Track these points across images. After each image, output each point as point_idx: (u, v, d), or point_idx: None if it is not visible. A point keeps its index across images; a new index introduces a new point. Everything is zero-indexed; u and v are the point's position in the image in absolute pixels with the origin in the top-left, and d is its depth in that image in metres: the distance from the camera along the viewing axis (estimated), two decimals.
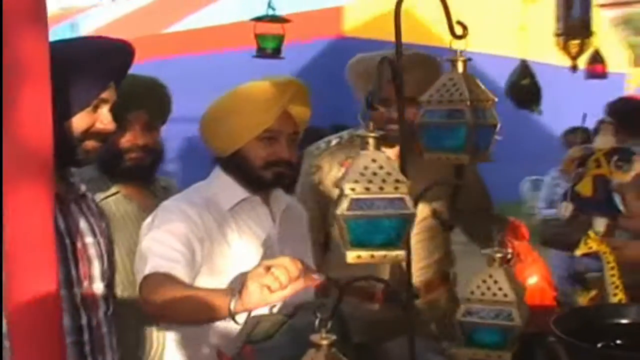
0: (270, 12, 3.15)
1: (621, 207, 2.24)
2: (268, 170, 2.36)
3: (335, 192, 2.88)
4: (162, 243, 2.23)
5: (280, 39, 3.24)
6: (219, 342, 2.26)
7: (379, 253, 1.36)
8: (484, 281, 1.60)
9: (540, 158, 6.04)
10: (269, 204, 2.47)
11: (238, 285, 1.94)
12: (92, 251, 2.05)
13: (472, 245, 3.06)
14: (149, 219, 2.33)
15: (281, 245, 2.45)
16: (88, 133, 1.97)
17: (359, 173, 1.34)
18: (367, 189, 1.34)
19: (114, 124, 2.05)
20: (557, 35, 3.45)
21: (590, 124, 4.67)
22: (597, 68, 4.98)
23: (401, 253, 1.36)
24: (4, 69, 1.43)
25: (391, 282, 2.89)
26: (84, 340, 1.97)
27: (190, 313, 2.08)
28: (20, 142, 1.50)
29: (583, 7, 3.32)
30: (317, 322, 1.67)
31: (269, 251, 2.40)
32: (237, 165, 2.38)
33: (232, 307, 1.92)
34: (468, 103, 1.54)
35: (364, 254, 1.37)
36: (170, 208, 2.33)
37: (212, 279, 2.26)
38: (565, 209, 2.30)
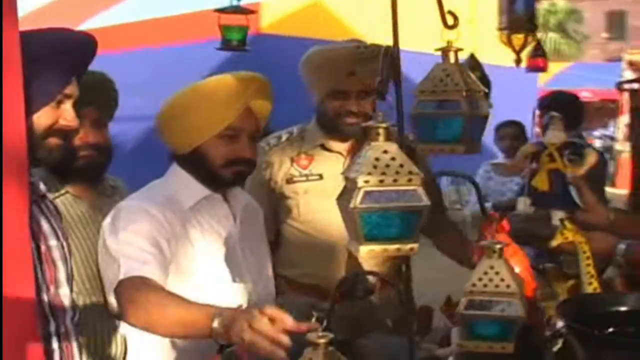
0: (235, 3, 3.08)
1: (578, 201, 2.27)
2: (228, 169, 2.29)
3: (286, 189, 2.92)
4: (131, 245, 2.15)
5: (245, 30, 3.17)
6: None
7: (392, 247, 1.33)
8: (486, 273, 1.58)
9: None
10: (229, 202, 2.41)
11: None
12: (57, 254, 1.95)
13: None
14: (108, 220, 2.24)
15: (242, 244, 2.40)
16: (51, 130, 1.86)
17: (372, 165, 1.30)
18: (381, 181, 1.29)
19: (78, 121, 1.96)
20: (501, 29, 3.46)
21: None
22: (538, 62, 5.08)
23: (414, 246, 1.33)
24: None
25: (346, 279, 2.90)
26: (53, 348, 1.88)
27: (171, 327, 1.99)
28: None
29: (527, 1, 3.34)
30: (313, 321, 1.64)
31: (231, 250, 2.35)
32: (196, 163, 2.31)
33: (215, 325, 1.82)
34: (464, 93, 1.52)
35: (377, 248, 1.33)
36: (132, 208, 2.25)
37: (176, 278, 2.19)
38: (524, 204, 2.32)
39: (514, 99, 9.40)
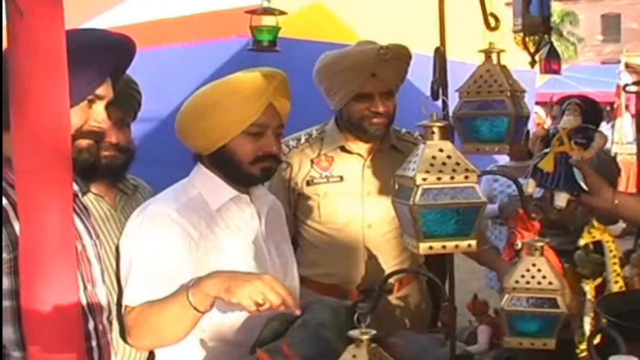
0: (265, 4, 3.10)
1: (582, 184, 2.29)
2: (256, 166, 2.29)
3: (306, 190, 2.94)
4: (146, 260, 2.19)
5: (276, 31, 3.19)
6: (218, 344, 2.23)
7: (451, 243, 1.36)
8: (528, 270, 1.61)
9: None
10: (254, 203, 2.41)
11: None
12: (91, 252, 1.96)
13: None
14: (131, 223, 2.25)
15: (268, 244, 2.40)
16: (81, 130, 1.87)
17: (429, 163, 1.33)
18: (439, 178, 1.32)
19: (109, 123, 1.97)
20: (516, 31, 3.48)
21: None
22: (553, 64, 5.11)
23: (473, 242, 1.36)
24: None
25: (365, 280, 2.93)
26: (93, 346, 1.88)
27: (171, 330, 2.12)
28: (40, 136, 1.44)
29: (542, 3, 3.36)
30: (355, 317, 1.67)
31: (258, 250, 2.35)
32: (223, 162, 2.30)
33: (190, 297, 2.02)
34: (508, 94, 1.54)
35: (436, 244, 1.36)
36: (157, 214, 2.23)
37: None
38: (529, 186, 2.34)
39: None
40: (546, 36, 3.52)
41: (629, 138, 13.50)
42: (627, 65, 16.32)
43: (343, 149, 2.98)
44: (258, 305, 1.94)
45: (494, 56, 1.61)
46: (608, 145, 15.99)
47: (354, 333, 1.65)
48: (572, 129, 2.36)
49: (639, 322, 1.64)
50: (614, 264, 2.15)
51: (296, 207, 3.03)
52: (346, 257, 2.94)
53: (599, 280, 2.15)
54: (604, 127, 19.78)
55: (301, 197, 3.00)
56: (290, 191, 3.01)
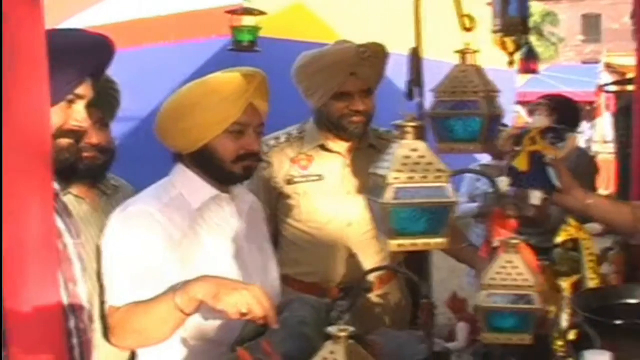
0: (246, 4, 3.13)
1: (556, 182, 2.32)
2: (238, 164, 2.31)
3: (286, 189, 2.96)
4: (129, 260, 2.21)
5: (256, 31, 3.22)
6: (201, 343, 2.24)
7: (421, 241, 1.38)
8: (504, 267, 1.63)
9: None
10: (235, 202, 2.43)
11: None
12: (73, 252, 1.97)
13: None
14: (113, 222, 2.26)
15: (249, 243, 2.42)
16: (62, 130, 1.88)
17: (401, 163, 1.35)
18: (411, 178, 1.35)
19: (89, 122, 1.98)
20: (495, 32, 3.51)
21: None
22: (531, 64, 5.17)
23: (443, 241, 1.38)
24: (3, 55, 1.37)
25: (345, 278, 2.95)
26: (74, 344, 1.89)
27: (157, 330, 2.16)
28: (21, 135, 1.45)
29: (520, 4, 3.39)
30: (334, 315, 1.69)
31: (238, 249, 2.37)
32: (205, 161, 2.32)
33: (177, 299, 2.06)
34: (482, 94, 1.57)
35: (407, 242, 1.39)
36: (138, 214, 2.25)
37: (186, 278, 2.17)
38: (503, 184, 2.38)
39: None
40: (525, 36, 3.58)
41: (609, 137, 13.62)
42: (607, 65, 16.47)
43: (323, 147, 3.01)
44: (242, 315, 1.98)
45: (469, 57, 1.63)
46: (583, 145, 16.15)
47: (332, 330, 1.67)
48: (544, 128, 2.38)
49: (614, 317, 1.67)
50: (590, 261, 2.19)
51: (277, 206, 3.05)
52: (327, 255, 2.96)
53: (575, 277, 2.18)
54: (585, 126, 19.93)
55: (281, 196, 3.02)
56: (270, 190, 3.03)
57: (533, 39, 35.40)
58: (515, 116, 12.56)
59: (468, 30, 1.61)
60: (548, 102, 5.17)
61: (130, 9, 8.41)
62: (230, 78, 2.29)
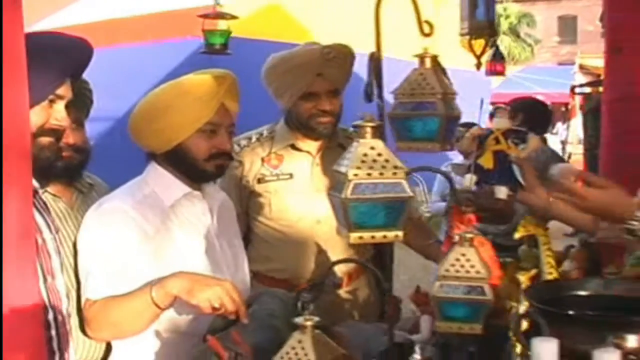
0: (218, 8, 3.21)
1: (521, 180, 2.42)
2: (211, 163, 2.39)
3: (257, 187, 3.04)
4: (105, 255, 2.29)
5: (227, 34, 3.29)
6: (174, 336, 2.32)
7: (379, 234, 1.46)
8: (458, 259, 1.73)
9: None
10: (206, 199, 2.51)
11: None
12: (51, 246, 2.04)
13: None
14: (88, 219, 2.34)
15: (219, 239, 2.51)
16: (43, 129, 1.95)
17: (361, 160, 1.44)
18: (369, 174, 1.43)
19: (68, 121, 2.05)
20: (462, 35, 3.60)
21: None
22: (497, 66, 5.30)
23: (399, 233, 1.47)
24: None
25: (315, 274, 3.03)
26: (52, 335, 1.97)
27: (132, 323, 2.26)
28: (2, 133, 1.50)
29: (487, 7, 3.48)
30: (299, 305, 1.78)
31: (209, 245, 2.46)
32: (178, 160, 2.40)
33: (153, 294, 2.16)
34: (440, 96, 1.66)
35: (365, 234, 1.47)
36: (113, 210, 2.33)
37: (159, 272, 2.26)
38: (470, 181, 2.48)
39: (470, 101, 9.61)
40: (492, 39, 3.68)
41: (582, 138, 13.80)
42: (581, 67, 16.65)
43: (293, 147, 3.08)
44: (214, 309, 2.07)
45: (427, 60, 1.72)
46: (559, 145, 16.32)
47: (298, 320, 1.76)
48: (507, 129, 2.48)
49: (565, 308, 1.77)
50: (548, 256, 2.28)
51: (248, 204, 3.12)
52: (297, 252, 3.03)
53: (533, 271, 2.28)
54: (561, 127, 20.09)
55: (253, 194, 3.10)
56: (242, 189, 3.10)
57: (509, 40, 35.80)
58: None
59: (427, 35, 1.69)
60: (511, 105, 5.31)
61: (105, 9, 8.43)
62: (202, 80, 2.37)
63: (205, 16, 3.27)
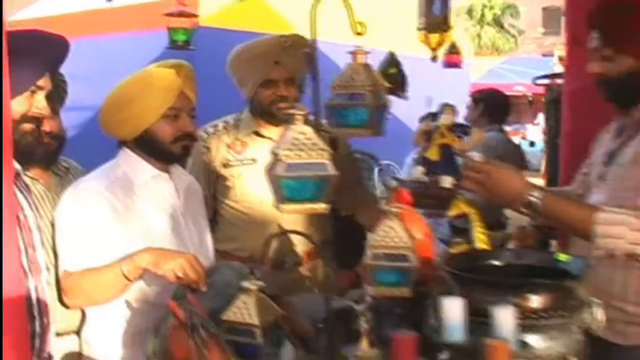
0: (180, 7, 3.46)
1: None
2: (177, 144, 2.65)
3: (223, 172, 3.26)
4: (81, 230, 2.54)
5: (190, 32, 3.56)
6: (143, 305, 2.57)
7: (307, 206, 1.71)
8: (386, 231, 1.97)
9: (404, 141, 6.47)
10: (173, 180, 2.76)
11: None
12: (32, 222, 2.26)
13: None
14: (66, 198, 2.58)
15: (185, 217, 2.76)
16: (25, 116, 2.20)
17: (291, 143, 1.68)
18: (298, 155, 1.68)
19: (48, 110, 2.29)
20: (419, 29, 3.84)
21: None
22: (453, 59, 5.53)
23: (325, 207, 1.71)
24: None
25: (277, 254, 3.25)
26: (33, 302, 2.18)
27: (104, 293, 2.53)
28: None
29: (443, 4, 3.72)
30: (248, 272, 2.03)
31: (176, 222, 2.71)
32: (147, 144, 2.65)
33: (123, 267, 2.43)
34: (369, 88, 1.89)
35: (296, 207, 1.71)
36: (88, 190, 2.58)
37: (130, 247, 2.52)
38: (418, 172, 2.72)
39: (449, 92, 9.88)
40: (447, 34, 3.92)
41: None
42: (560, 59, 16.82)
43: (257, 133, 3.33)
44: (178, 278, 2.32)
45: (358, 57, 1.95)
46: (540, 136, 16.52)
47: (244, 284, 2.01)
48: (453, 124, 2.72)
49: (479, 275, 2.03)
50: (479, 232, 2.52)
51: (215, 188, 3.37)
52: (259, 232, 3.17)
53: (464, 246, 2.52)
54: (541, 117, 20.26)
55: (219, 178, 3.34)
56: (209, 173, 3.35)
57: (493, 31, 36.02)
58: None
59: (359, 34, 1.92)
60: (472, 96, 5.55)
61: (83, 0, 8.53)
62: (162, 71, 2.64)
63: (169, 15, 3.53)
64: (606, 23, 2.56)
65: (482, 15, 35.87)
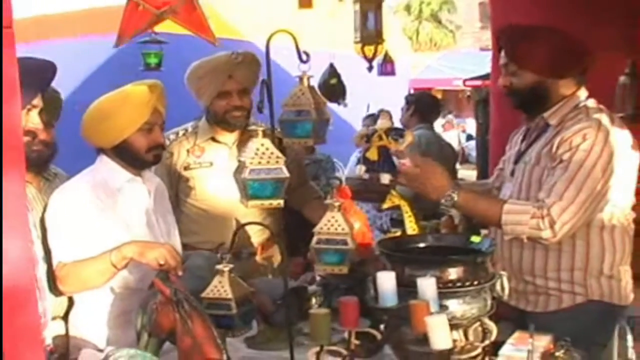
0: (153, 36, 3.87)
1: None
2: (150, 154, 3.02)
3: (184, 174, 3.67)
4: (70, 226, 2.86)
5: (161, 55, 4.00)
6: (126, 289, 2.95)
7: (267, 202, 2.16)
8: (329, 220, 2.42)
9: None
10: (145, 183, 3.13)
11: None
12: (30, 220, 2.55)
13: None
14: (54, 198, 2.90)
15: (156, 214, 3.13)
16: (22, 130, 2.56)
17: (254, 152, 2.13)
18: (260, 162, 2.13)
19: (42, 125, 2.66)
20: (356, 42, 4.25)
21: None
22: (387, 67, 6.00)
23: (281, 201, 2.16)
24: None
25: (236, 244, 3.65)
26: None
27: (95, 279, 2.85)
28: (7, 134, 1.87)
29: (376, 19, 4.14)
30: (219, 257, 2.45)
31: (149, 219, 3.09)
32: (124, 153, 3.00)
33: (112, 258, 2.75)
34: (312, 106, 2.33)
35: (258, 202, 2.17)
36: (74, 191, 2.94)
37: (110, 241, 2.83)
38: (360, 170, 3.09)
39: (391, 90, 10.41)
40: (381, 46, 4.33)
41: None
42: None
43: (213, 139, 3.72)
44: (160, 265, 2.67)
45: (304, 79, 2.38)
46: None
47: (219, 267, 2.44)
48: (389, 128, 3.10)
49: (407, 254, 2.48)
50: (410, 222, 2.96)
51: (177, 188, 3.75)
52: (219, 226, 3.62)
53: (398, 232, 2.97)
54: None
55: (181, 180, 3.73)
56: (172, 175, 3.73)
57: (431, 26, 36.43)
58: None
59: (304, 62, 2.34)
60: (406, 98, 6.02)
61: (35, 5, 8.63)
62: (139, 89, 3.01)
63: (144, 42, 3.95)
64: (509, 43, 3.02)
65: (420, 11, 36.30)
